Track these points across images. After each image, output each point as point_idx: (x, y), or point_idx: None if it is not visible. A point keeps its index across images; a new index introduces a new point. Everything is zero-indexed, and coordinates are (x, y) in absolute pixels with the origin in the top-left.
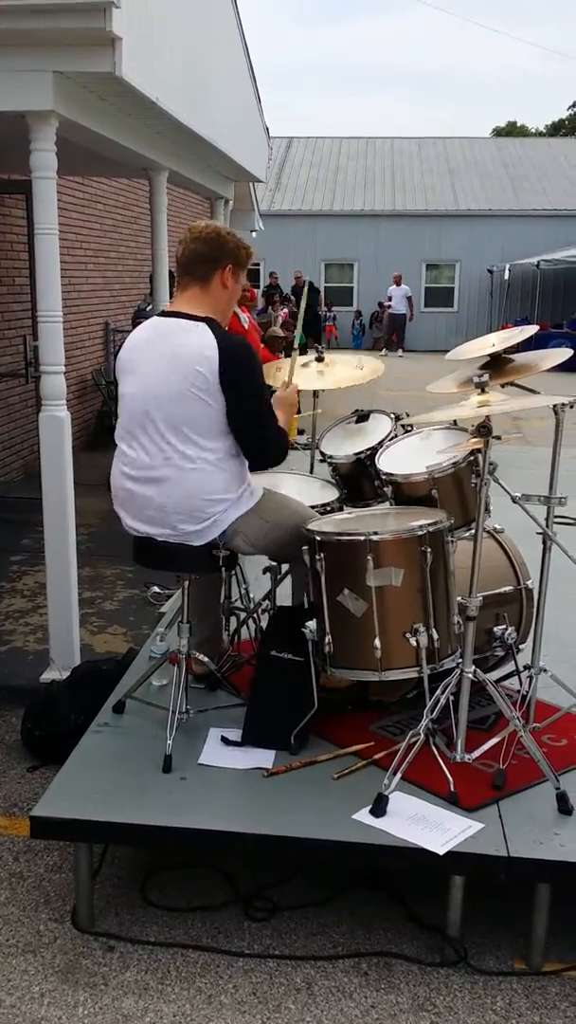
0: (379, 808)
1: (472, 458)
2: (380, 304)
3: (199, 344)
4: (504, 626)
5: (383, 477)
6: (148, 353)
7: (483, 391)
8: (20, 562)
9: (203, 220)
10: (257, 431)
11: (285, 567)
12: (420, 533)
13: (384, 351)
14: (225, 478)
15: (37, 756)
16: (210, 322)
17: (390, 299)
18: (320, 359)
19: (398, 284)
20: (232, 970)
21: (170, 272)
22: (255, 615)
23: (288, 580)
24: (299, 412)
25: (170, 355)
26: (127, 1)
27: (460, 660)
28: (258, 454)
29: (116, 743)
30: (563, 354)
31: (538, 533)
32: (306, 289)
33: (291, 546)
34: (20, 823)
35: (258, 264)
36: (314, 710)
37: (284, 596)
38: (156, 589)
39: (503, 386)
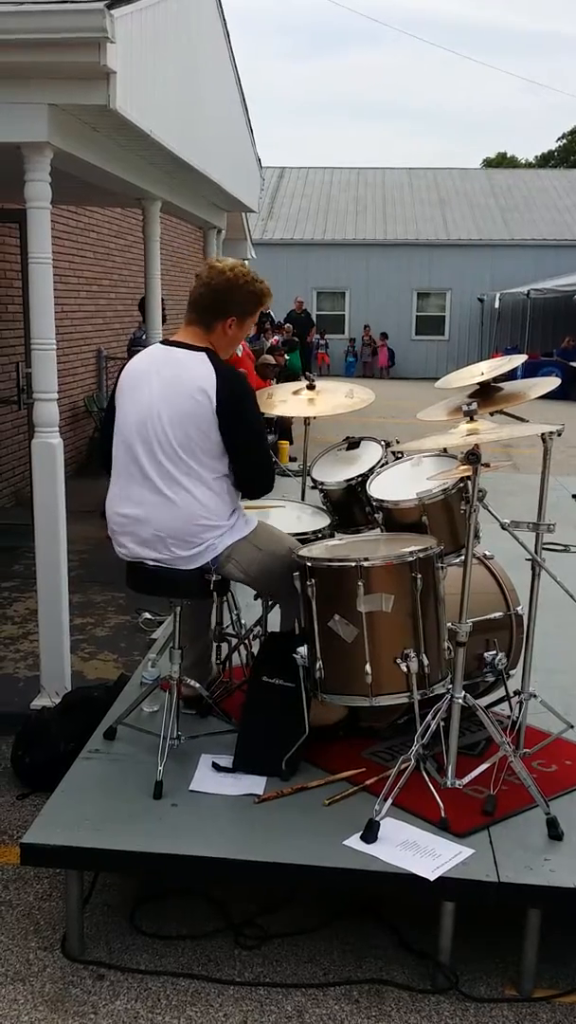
0: (370, 834)
1: (462, 485)
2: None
3: (198, 372)
4: (494, 652)
5: (374, 503)
6: (148, 381)
7: (472, 419)
8: (11, 588)
9: (227, 261)
10: (252, 457)
11: None
12: (410, 559)
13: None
14: (219, 503)
15: (27, 783)
16: (209, 352)
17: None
18: (311, 387)
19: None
20: (223, 998)
21: (162, 300)
22: (246, 641)
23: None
24: (291, 441)
25: (170, 382)
26: (121, 36)
27: (450, 686)
28: (251, 481)
29: (107, 769)
30: (551, 383)
31: (527, 559)
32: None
33: (280, 578)
34: (10, 851)
35: None
36: (305, 736)
37: (275, 623)
38: (147, 615)
39: (492, 414)
